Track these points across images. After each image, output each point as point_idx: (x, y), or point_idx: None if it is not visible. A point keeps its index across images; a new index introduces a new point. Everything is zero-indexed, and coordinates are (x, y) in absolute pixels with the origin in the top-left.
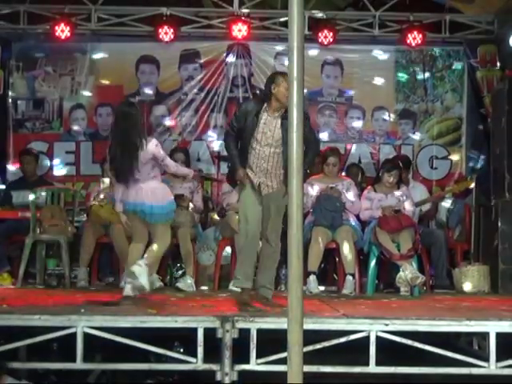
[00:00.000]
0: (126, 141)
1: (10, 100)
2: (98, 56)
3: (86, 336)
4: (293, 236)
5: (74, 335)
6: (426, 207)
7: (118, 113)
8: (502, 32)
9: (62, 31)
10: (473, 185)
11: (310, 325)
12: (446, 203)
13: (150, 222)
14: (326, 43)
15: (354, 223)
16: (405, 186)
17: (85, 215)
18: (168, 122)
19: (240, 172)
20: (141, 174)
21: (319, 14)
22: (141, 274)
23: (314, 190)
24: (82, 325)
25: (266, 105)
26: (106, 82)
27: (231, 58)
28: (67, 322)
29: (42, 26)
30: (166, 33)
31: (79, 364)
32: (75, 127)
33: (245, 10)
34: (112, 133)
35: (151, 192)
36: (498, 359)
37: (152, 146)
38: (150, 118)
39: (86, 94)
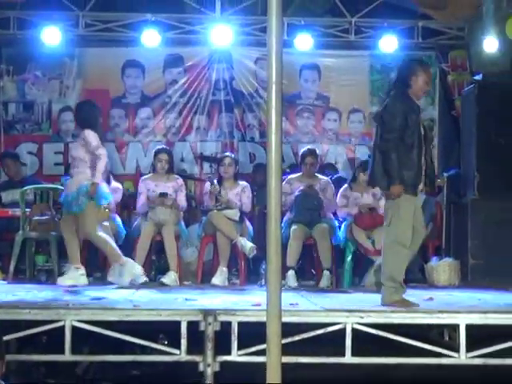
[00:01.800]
0: None
1: (1, 103)
2: (85, 60)
3: (74, 329)
4: (272, 233)
5: (62, 328)
6: None
7: None
8: (472, 38)
9: (51, 36)
10: (444, 184)
11: (289, 318)
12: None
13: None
14: (304, 48)
15: (330, 220)
16: None
17: None
18: (153, 123)
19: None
20: None
21: (297, 21)
22: None
23: (292, 189)
24: (70, 318)
25: None
26: (93, 85)
27: (213, 63)
28: (56, 316)
29: (31, 31)
30: (150, 38)
31: (67, 356)
32: (64, 129)
33: (226, 17)
34: None
35: None
36: (468, 350)
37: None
38: (136, 120)
39: (74, 96)
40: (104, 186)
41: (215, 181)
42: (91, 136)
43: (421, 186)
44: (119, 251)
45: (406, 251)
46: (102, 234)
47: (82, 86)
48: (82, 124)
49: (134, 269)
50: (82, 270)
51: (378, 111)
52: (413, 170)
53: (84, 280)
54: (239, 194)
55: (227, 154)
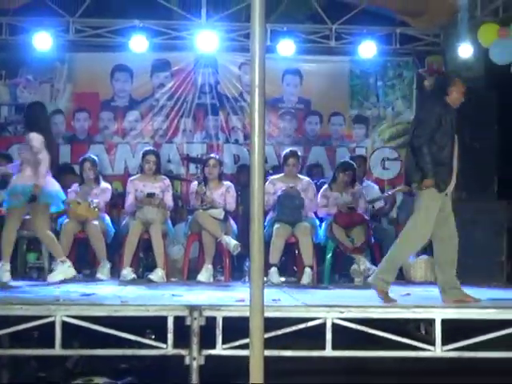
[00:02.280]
0: None
1: None
2: (75, 65)
3: (64, 324)
4: (255, 231)
5: (52, 324)
6: (379, 205)
7: None
8: (448, 44)
9: (42, 42)
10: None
11: (272, 313)
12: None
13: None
14: (286, 54)
15: (311, 219)
16: (359, 185)
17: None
18: (141, 126)
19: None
20: None
21: (280, 27)
22: None
23: (275, 189)
24: (61, 314)
25: None
26: (82, 89)
27: (199, 68)
28: (46, 312)
29: (23, 36)
30: (138, 43)
31: (58, 350)
32: (54, 131)
33: (212, 23)
34: None
35: None
36: (443, 343)
37: None
38: (124, 123)
39: (65, 100)
40: (51, 188)
41: (202, 182)
42: (35, 139)
43: (451, 187)
44: (61, 250)
45: (417, 243)
46: (49, 232)
47: (72, 89)
48: (30, 126)
49: (68, 271)
50: (69, 262)
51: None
52: (444, 167)
53: (72, 271)
54: (224, 194)
55: (212, 155)
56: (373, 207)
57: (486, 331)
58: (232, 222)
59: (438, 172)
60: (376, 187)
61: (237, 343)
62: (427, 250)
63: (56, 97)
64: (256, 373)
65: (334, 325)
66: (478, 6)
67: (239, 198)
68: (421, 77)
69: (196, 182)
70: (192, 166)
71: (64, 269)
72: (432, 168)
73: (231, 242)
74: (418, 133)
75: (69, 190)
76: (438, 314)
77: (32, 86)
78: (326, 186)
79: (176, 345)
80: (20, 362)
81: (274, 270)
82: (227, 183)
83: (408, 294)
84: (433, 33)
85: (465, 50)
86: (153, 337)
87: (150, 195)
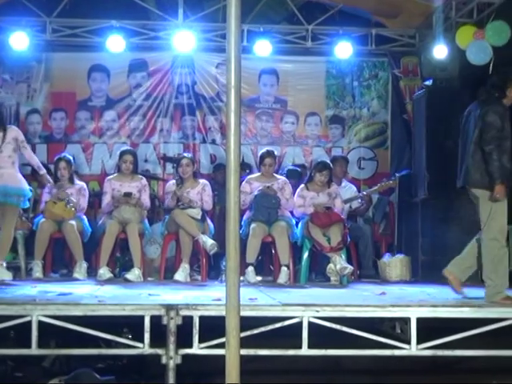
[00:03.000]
0: None
1: None
2: (52, 64)
3: (41, 324)
4: (231, 231)
5: (29, 323)
6: (356, 204)
7: None
8: (423, 45)
9: (19, 41)
10: (396, 185)
11: (248, 312)
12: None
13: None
14: (263, 54)
15: (288, 219)
16: (335, 185)
17: (40, 212)
18: (117, 125)
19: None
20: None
21: (257, 28)
22: None
23: (252, 189)
24: (37, 313)
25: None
26: (59, 88)
27: (176, 68)
28: (23, 311)
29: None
30: (115, 43)
31: (34, 350)
32: (31, 130)
33: (189, 23)
34: None
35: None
36: (419, 342)
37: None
38: (101, 122)
39: (41, 99)
40: (17, 186)
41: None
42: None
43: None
44: (5, 253)
45: (504, 249)
46: (9, 233)
47: (49, 89)
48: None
49: (4, 274)
50: (4, 263)
51: (481, 113)
52: (508, 171)
53: (8, 274)
54: (200, 192)
55: (185, 154)
56: (350, 207)
57: (460, 330)
58: (209, 221)
59: (505, 178)
60: (354, 188)
61: (213, 342)
62: (402, 249)
63: (33, 96)
64: (232, 372)
65: (310, 324)
66: (453, 8)
67: (216, 197)
68: (396, 77)
69: (173, 181)
70: (169, 166)
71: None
72: (500, 175)
73: (208, 241)
74: (487, 137)
75: (43, 189)
76: (413, 313)
77: (9, 85)
78: (302, 185)
79: (153, 344)
80: None
81: (250, 269)
82: (203, 181)
83: (383, 293)
84: (408, 34)
85: (440, 51)
86: (130, 336)
87: (127, 195)
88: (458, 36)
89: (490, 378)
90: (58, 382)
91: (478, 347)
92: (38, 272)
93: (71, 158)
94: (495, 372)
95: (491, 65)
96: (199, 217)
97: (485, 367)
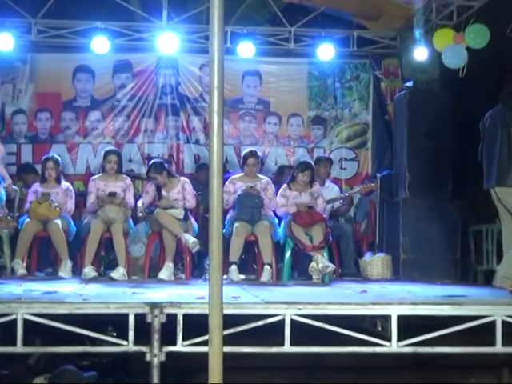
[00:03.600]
0: None
1: None
2: (37, 65)
3: (26, 322)
4: (214, 230)
5: (14, 321)
6: (337, 205)
7: None
8: (404, 47)
9: (4, 42)
10: (377, 187)
11: (231, 310)
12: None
13: None
14: (246, 56)
15: (271, 218)
16: (317, 185)
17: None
18: (102, 126)
19: None
20: None
21: (240, 29)
22: None
23: (235, 188)
24: (22, 312)
25: None
26: (45, 89)
27: (160, 69)
28: (8, 310)
29: None
30: (100, 44)
31: (19, 348)
32: (16, 130)
33: (173, 25)
34: None
35: None
36: (399, 339)
37: None
38: (86, 123)
39: (27, 100)
40: None
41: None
42: None
43: None
44: None
45: None
46: None
47: (34, 89)
48: None
49: None
50: None
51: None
52: None
53: None
54: (181, 191)
55: (154, 160)
56: (332, 207)
57: (440, 327)
58: (193, 220)
59: None
60: (337, 188)
61: (197, 340)
62: (383, 247)
63: (18, 97)
64: (215, 369)
65: (292, 321)
66: (433, 11)
67: (200, 197)
68: (377, 79)
69: (149, 184)
70: None
71: None
72: None
73: (190, 239)
74: None
75: (29, 189)
76: (394, 311)
77: None
78: (285, 185)
79: (137, 342)
80: None
81: (233, 267)
82: (182, 179)
83: (364, 291)
84: (389, 36)
85: (420, 53)
86: (114, 334)
87: (112, 194)
88: (434, 39)
89: (468, 374)
90: (42, 381)
91: (458, 344)
92: (20, 269)
93: (59, 158)
94: (474, 368)
95: (464, 68)
96: (182, 216)
97: (464, 364)
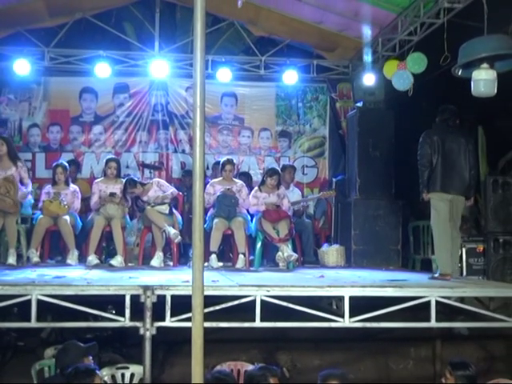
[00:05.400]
0: None
1: None
2: (49, 87)
3: (39, 302)
4: (196, 225)
5: (29, 301)
6: (297, 207)
7: None
8: (355, 74)
9: (21, 67)
10: (334, 194)
11: (211, 291)
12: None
13: None
14: (224, 80)
15: (244, 215)
16: (283, 188)
17: (39, 209)
18: (104, 138)
19: None
20: None
21: (219, 58)
22: None
23: (215, 190)
24: (36, 293)
25: None
26: (56, 106)
27: (153, 90)
28: (24, 291)
29: (5, 63)
30: (102, 70)
31: (33, 323)
32: (32, 141)
33: (163, 53)
34: None
35: None
36: (351, 316)
37: None
38: (90, 135)
39: (40, 115)
40: None
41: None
42: None
43: None
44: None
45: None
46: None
47: (46, 107)
48: None
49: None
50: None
51: (469, 140)
52: None
53: (14, 260)
54: (157, 189)
55: (125, 179)
56: (293, 209)
57: (385, 306)
58: (178, 214)
59: None
60: (299, 191)
61: (182, 317)
62: (338, 240)
63: (33, 113)
64: (197, 341)
65: (262, 301)
66: (380, 43)
67: (185, 197)
68: (333, 100)
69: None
70: (146, 171)
71: None
72: None
73: (171, 231)
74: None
75: (43, 190)
76: (347, 292)
77: (13, 103)
78: (256, 188)
79: (132, 318)
80: (1, 333)
81: (213, 256)
82: (154, 180)
83: (322, 276)
84: (343, 64)
85: (368, 79)
86: (113, 312)
87: (112, 195)
88: (384, 69)
89: (408, 345)
90: (53, 351)
91: (399, 320)
92: (34, 257)
93: (67, 164)
94: (412, 340)
95: (411, 90)
96: (167, 211)
97: (404, 336)
